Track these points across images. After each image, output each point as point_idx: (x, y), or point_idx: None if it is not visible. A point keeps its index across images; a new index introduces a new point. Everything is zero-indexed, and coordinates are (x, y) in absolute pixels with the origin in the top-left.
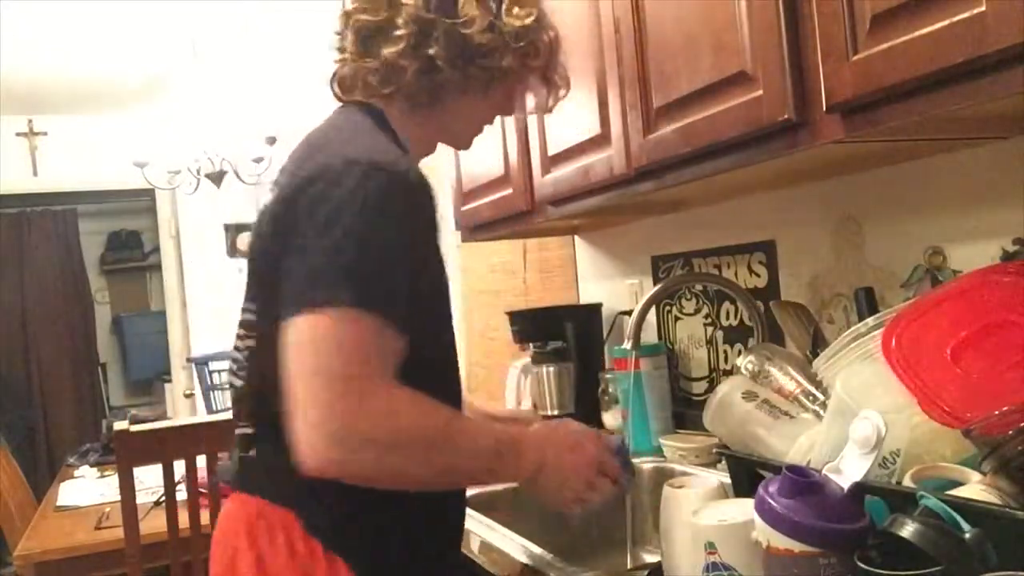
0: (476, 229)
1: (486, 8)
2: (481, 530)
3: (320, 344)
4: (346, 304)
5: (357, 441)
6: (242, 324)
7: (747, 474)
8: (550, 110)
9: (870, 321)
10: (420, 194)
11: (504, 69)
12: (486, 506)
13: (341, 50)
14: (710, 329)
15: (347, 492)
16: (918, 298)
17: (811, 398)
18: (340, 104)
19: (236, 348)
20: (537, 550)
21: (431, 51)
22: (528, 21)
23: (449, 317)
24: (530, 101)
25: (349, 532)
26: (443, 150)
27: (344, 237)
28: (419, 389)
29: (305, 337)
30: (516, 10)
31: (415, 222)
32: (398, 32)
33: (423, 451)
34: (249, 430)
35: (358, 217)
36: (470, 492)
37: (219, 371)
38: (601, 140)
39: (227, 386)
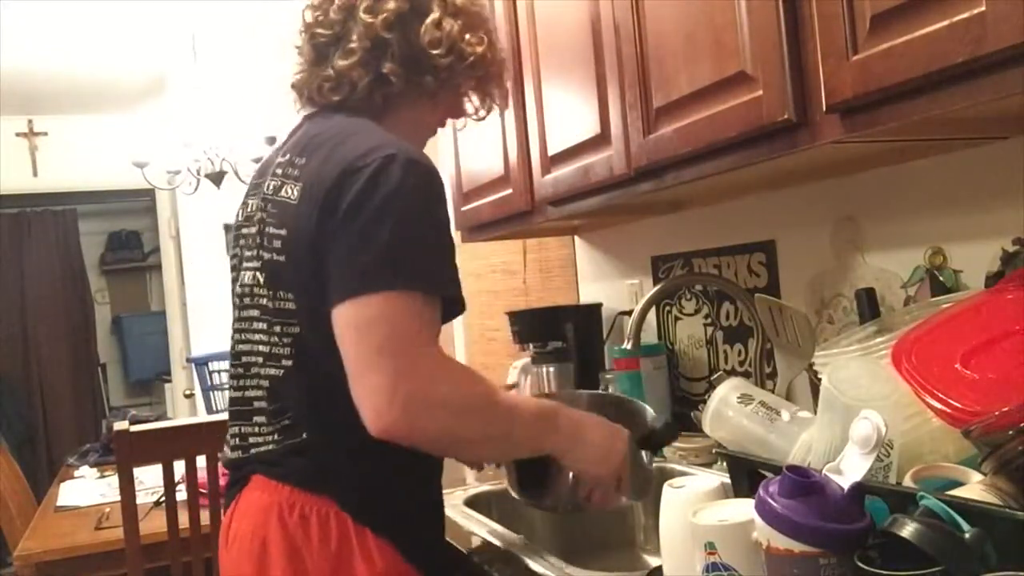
0: (476, 229)
1: (445, 34)
2: (482, 531)
3: (391, 319)
4: (409, 284)
5: (430, 403)
6: (276, 312)
7: (747, 474)
8: (482, 119)
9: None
10: (441, 184)
11: (455, 86)
12: (486, 506)
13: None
14: (710, 329)
15: (380, 471)
16: (926, 317)
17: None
18: (315, 111)
19: (259, 339)
20: (537, 551)
21: (385, 67)
22: (480, 49)
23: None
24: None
25: (384, 510)
26: (443, 150)
27: (399, 224)
28: None
29: (375, 313)
30: (469, 36)
31: (445, 207)
32: (351, 45)
33: (482, 415)
34: (287, 420)
35: (408, 206)
36: (470, 492)
37: (219, 371)
38: (601, 140)
39: (232, 381)
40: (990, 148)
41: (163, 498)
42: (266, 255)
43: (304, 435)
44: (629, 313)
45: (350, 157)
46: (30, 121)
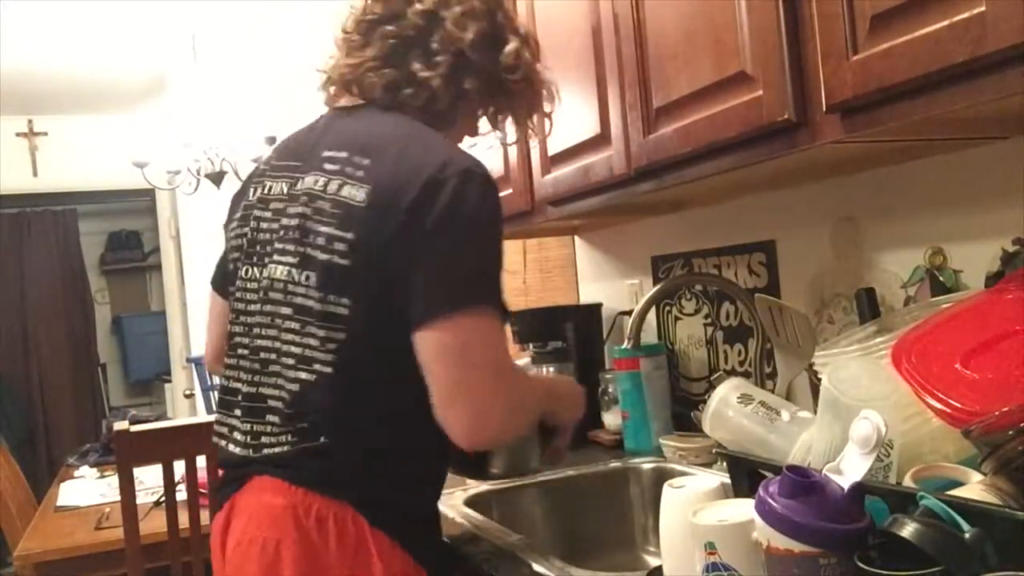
0: None
1: (524, 61)
2: (482, 531)
3: (488, 336)
4: (493, 304)
5: (521, 410)
6: (321, 315)
7: (747, 474)
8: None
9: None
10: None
11: (515, 105)
12: (486, 506)
13: (352, 53)
14: (710, 329)
15: (398, 476)
16: (926, 317)
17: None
18: (355, 105)
19: (289, 339)
20: (537, 551)
21: (467, 83)
22: (541, 70)
23: None
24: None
25: (398, 514)
26: None
27: (484, 243)
28: None
29: (472, 330)
30: (538, 65)
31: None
32: (437, 58)
33: (533, 411)
34: (305, 423)
35: (490, 224)
36: (470, 492)
37: None
38: (601, 140)
39: (238, 374)
40: (990, 148)
41: (163, 498)
42: (319, 255)
43: (323, 439)
44: (629, 313)
45: (430, 168)
46: (30, 121)
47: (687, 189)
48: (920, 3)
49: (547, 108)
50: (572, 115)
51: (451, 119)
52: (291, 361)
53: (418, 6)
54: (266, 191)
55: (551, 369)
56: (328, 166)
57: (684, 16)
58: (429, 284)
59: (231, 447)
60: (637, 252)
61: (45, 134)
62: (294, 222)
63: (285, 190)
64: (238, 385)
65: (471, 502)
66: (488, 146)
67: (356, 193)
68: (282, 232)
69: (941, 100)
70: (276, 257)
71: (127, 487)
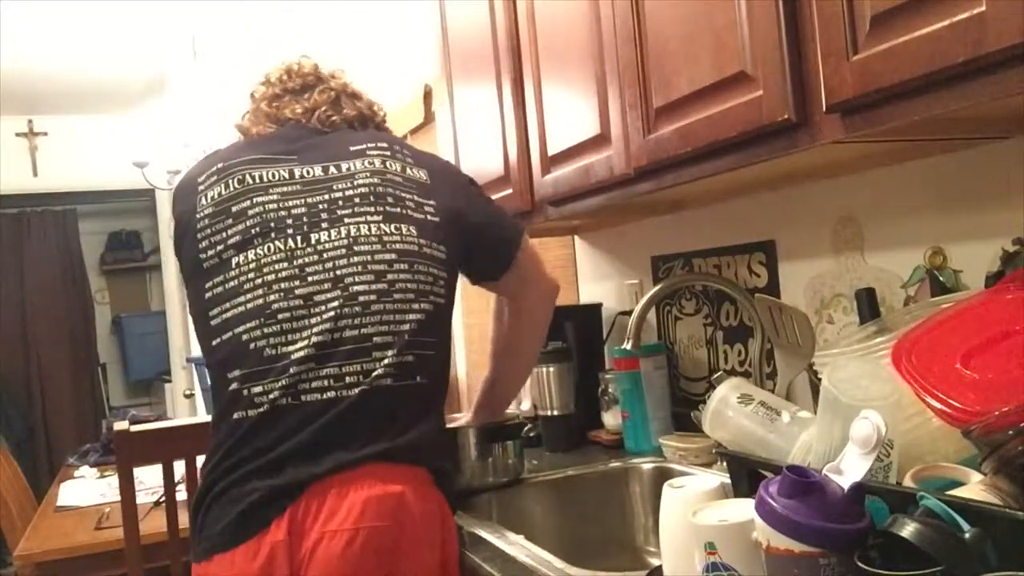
0: None
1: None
2: (482, 531)
3: (536, 256)
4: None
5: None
6: (428, 258)
7: (747, 474)
8: None
9: (869, 327)
10: None
11: None
12: (486, 506)
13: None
14: (710, 329)
15: (442, 433)
16: (926, 317)
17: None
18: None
19: (406, 278)
20: (537, 551)
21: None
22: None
23: None
24: None
25: (449, 476)
26: (443, 150)
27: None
28: None
29: (530, 255)
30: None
31: None
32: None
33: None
34: (409, 358)
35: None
36: (468, 492)
37: None
38: (601, 140)
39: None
40: (990, 148)
41: (163, 498)
42: (414, 214)
43: (418, 378)
44: (629, 313)
45: (443, 160)
46: (30, 121)
47: (687, 189)
48: (920, 3)
49: None
50: (572, 115)
51: None
52: (411, 296)
53: (333, 82)
54: (256, 179)
55: (551, 369)
56: (374, 152)
57: (684, 16)
58: (502, 239)
59: (327, 395)
60: (637, 252)
61: (45, 134)
62: (363, 190)
63: (277, 176)
64: (297, 343)
65: (471, 502)
66: None
67: (419, 173)
68: (345, 201)
69: (941, 100)
70: (349, 220)
71: (127, 487)
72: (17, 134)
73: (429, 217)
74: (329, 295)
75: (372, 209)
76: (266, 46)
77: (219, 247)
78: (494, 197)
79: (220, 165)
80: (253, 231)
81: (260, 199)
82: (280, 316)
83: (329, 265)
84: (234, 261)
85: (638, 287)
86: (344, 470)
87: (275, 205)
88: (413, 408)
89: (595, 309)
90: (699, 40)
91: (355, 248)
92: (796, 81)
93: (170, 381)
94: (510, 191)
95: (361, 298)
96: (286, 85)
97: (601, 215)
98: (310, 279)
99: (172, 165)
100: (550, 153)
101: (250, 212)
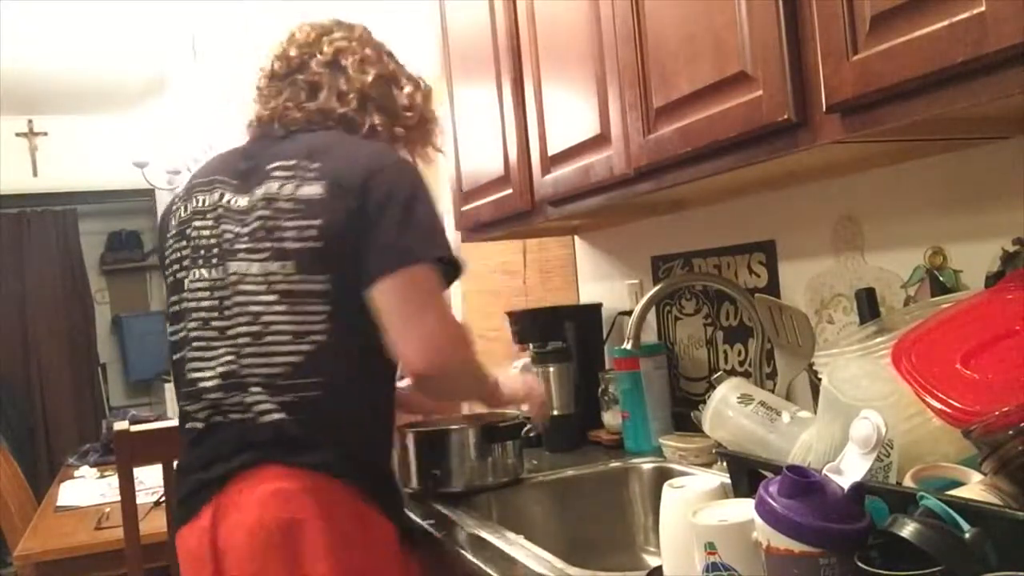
0: (476, 229)
1: (414, 98)
2: (483, 531)
3: (431, 285)
4: (435, 258)
5: (463, 341)
6: (307, 295)
7: (747, 474)
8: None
9: (869, 327)
10: None
11: (412, 138)
12: (485, 507)
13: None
14: (710, 329)
15: (379, 458)
16: (926, 317)
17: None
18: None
19: (288, 319)
20: (537, 551)
21: (376, 119)
22: (435, 110)
23: None
24: None
25: (387, 494)
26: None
27: (423, 213)
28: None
29: (419, 279)
30: (422, 99)
31: None
32: (349, 96)
33: (472, 349)
34: (294, 396)
35: (425, 199)
36: (468, 492)
37: None
38: (601, 140)
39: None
40: (990, 148)
41: (163, 498)
42: (292, 245)
43: (321, 419)
44: (629, 313)
45: (371, 160)
46: (30, 121)
47: (687, 189)
48: (920, 3)
49: (438, 143)
50: (572, 115)
51: (369, 136)
52: (286, 338)
53: (320, 57)
54: (199, 204)
55: (551, 369)
56: (278, 174)
57: (684, 16)
58: (380, 247)
59: (244, 415)
60: (637, 252)
61: (45, 134)
62: (256, 224)
63: (218, 200)
64: (206, 372)
65: (471, 502)
66: None
67: (314, 188)
68: (245, 236)
69: (941, 100)
70: (242, 256)
71: (127, 487)
72: (17, 134)
73: (310, 244)
74: (236, 331)
75: (260, 246)
76: (266, 46)
77: (174, 266)
78: (494, 197)
79: (191, 183)
80: (192, 256)
81: (198, 223)
82: (195, 344)
83: (229, 303)
84: (185, 283)
85: (638, 287)
86: (249, 468)
87: (208, 232)
88: (319, 437)
89: (595, 309)
90: (699, 40)
91: (239, 287)
92: (796, 81)
93: (170, 381)
94: (510, 191)
95: (240, 340)
96: (274, 68)
97: (601, 215)
98: (226, 312)
99: (172, 165)
100: (550, 153)
101: (191, 236)
